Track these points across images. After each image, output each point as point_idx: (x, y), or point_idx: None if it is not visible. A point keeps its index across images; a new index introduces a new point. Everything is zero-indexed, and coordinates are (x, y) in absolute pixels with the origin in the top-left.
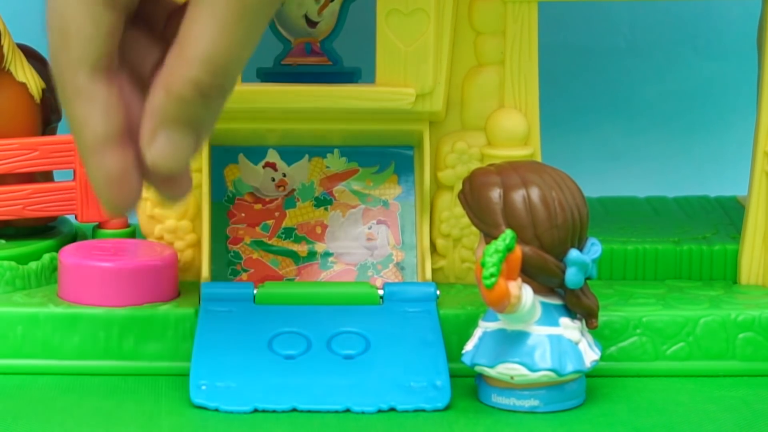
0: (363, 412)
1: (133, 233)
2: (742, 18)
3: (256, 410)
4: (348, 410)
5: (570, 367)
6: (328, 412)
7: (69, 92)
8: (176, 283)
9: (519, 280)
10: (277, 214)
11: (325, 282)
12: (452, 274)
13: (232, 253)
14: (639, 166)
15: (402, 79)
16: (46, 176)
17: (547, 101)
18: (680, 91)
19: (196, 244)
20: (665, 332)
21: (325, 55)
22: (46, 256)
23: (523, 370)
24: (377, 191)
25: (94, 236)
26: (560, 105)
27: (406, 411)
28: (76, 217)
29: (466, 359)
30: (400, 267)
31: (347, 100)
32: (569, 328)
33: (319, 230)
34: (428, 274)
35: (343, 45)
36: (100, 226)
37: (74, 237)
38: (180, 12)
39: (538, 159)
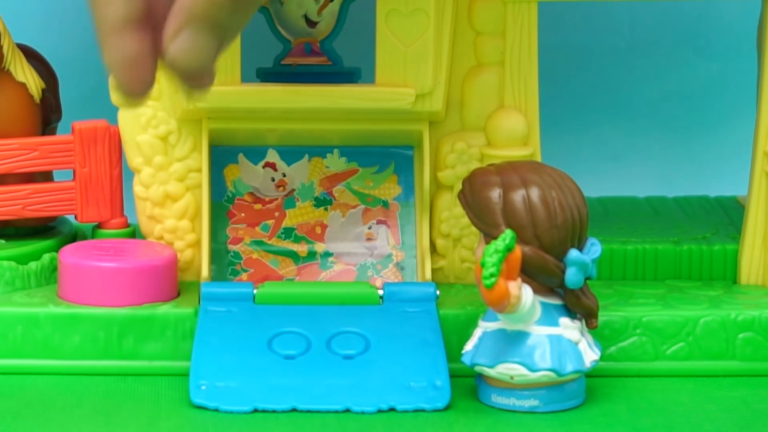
0: (363, 412)
1: (133, 233)
2: (742, 18)
3: (256, 410)
4: (348, 410)
5: (570, 367)
6: (328, 412)
7: None
8: (176, 283)
9: (519, 280)
10: (276, 214)
11: (325, 282)
12: (452, 274)
13: (232, 253)
14: (639, 166)
15: (402, 79)
16: (46, 176)
17: (547, 101)
18: (680, 91)
19: (196, 244)
20: (665, 332)
21: (324, 55)
22: (46, 256)
23: (523, 370)
24: (377, 191)
25: (93, 236)
26: (560, 105)
27: (406, 411)
28: (75, 217)
29: (466, 359)
30: (400, 267)
31: (347, 100)
32: (569, 328)
33: (318, 230)
34: (428, 274)
35: (343, 45)
36: (100, 226)
37: (74, 237)
38: None
39: (538, 159)
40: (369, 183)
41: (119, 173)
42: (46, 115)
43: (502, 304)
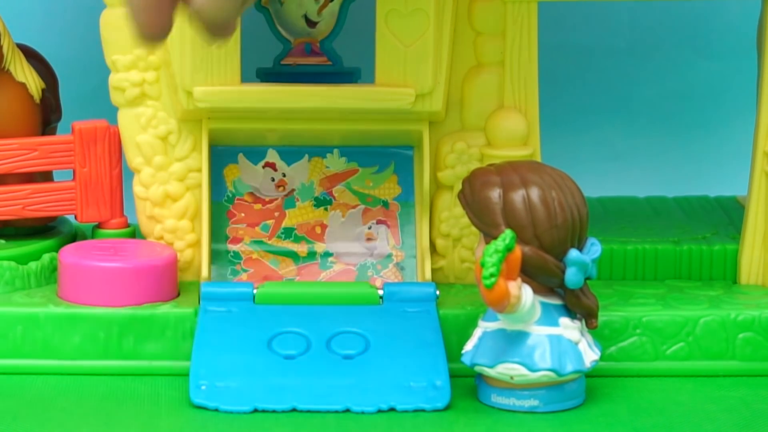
0: (363, 412)
1: (133, 233)
2: (742, 18)
3: (255, 410)
4: (348, 410)
5: (570, 367)
6: (327, 412)
7: None
8: (176, 283)
9: (519, 280)
10: (276, 214)
11: (324, 282)
12: (452, 274)
13: (232, 253)
14: (639, 166)
15: (402, 79)
16: (46, 176)
17: (547, 101)
18: (680, 91)
19: (196, 244)
20: (665, 332)
21: (324, 55)
22: (46, 256)
23: (523, 370)
24: (377, 191)
25: (93, 236)
26: (560, 105)
27: (406, 411)
28: (75, 217)
29: (466, 359)
30: (399, 267)
31: (347, 100)
32: (569, 328)
33: (318, 230)
34: (428, 274)
35: (343, 45)
36: (100, 226)
37: (74, 237)
38: None
39: (538, 159)
40: (369, 183)
41: (119, 173)
42: (46, 115)
43: (502, 304)
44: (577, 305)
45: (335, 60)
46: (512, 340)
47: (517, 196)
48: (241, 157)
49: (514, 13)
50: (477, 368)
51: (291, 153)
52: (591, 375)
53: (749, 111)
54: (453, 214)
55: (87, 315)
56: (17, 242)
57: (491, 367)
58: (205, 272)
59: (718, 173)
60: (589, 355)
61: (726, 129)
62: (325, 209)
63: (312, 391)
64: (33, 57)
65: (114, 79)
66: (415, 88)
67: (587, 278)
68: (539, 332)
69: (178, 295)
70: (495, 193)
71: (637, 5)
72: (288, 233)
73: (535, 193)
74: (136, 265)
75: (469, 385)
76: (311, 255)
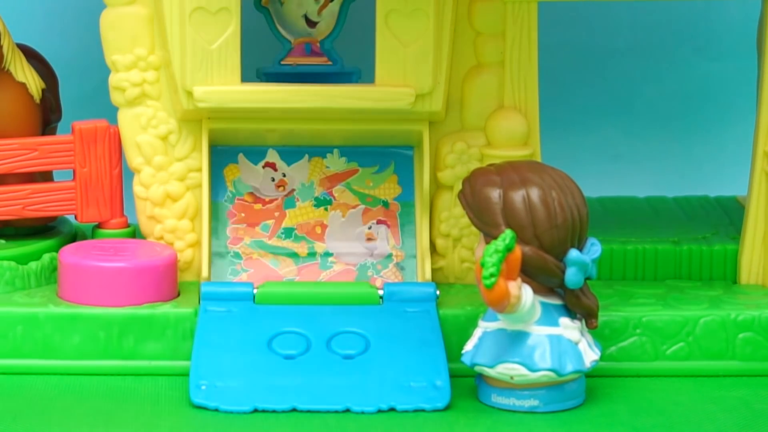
0: (363, 412)
1: (133, 233)
2: (742, 18)
3: (256, 410)
4: (348, 410)
5: (570, 367)
6: (327, 412)
7: None
8: (176, 283)
9: (519, 280)
10: (276, 214)
11: (325, 282)
12: (452, 274)
13: (232, 253)
14: (639, 166)
15: (402, 79)
16: (46, 176)
17: (547, 101)
18: (680, 91)
19: (196, 244)
20: (665, 332)
21: (325, 55)
22: (46, 256)
23: (523, 370)
24: (377, 191)
25: (94, 236)
26: (560, 105)
27: (406, 411)
28: (75, 217)
29: (466, 359)
30: (399, 267)
31: (347, 100)
32: (569, 328)
33: (318, 230)
34: (428, 274)
35: (343, 45)
36: (99, 226)
37: (74, 237)
38: None
39: (538, 159)
40: (369, 183)
41: (119, 173)
42: (46, 115)
43: (502, 304)
44: (577, 305)
45: (335, 60)
46: (512, 340)
47: (517, 196)
48: (241, 157)
49: (514, 13)
50: (477, 368)
51: (291, 153)
52: (591, 375)
53: (749, 111)
54: (453, 214)
55: (87, 315)
56: (17, 242)
57: (491, 367)
58: (205, 272)
59: (718, 173)
60: (589, 355)
61: (726, 129)
62: (325, 209)
63: (312, 391)
64: (33, 57)
65: (114, 79)
66: (415, 88)
67: (587, 278)
68: (539, 332)
69: (178, 295)
70: (495, 193)
71: (637, 5)
72: (288, 233)
73: (535, 193)
74: (136, 265)
75: (469, 385)
76: (311, 255)
